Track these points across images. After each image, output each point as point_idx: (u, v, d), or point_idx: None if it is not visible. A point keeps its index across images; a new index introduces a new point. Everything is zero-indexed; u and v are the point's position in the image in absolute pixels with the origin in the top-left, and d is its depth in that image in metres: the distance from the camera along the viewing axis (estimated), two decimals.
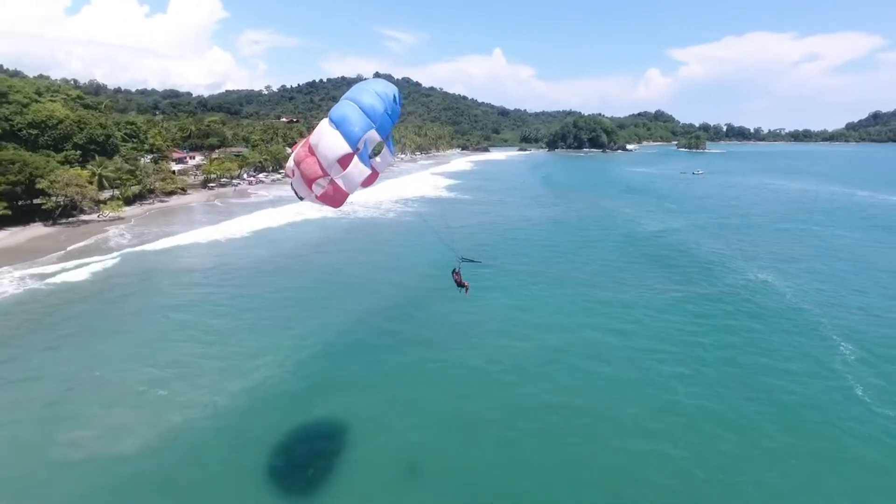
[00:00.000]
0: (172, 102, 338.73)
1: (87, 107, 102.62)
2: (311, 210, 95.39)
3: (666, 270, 56.99)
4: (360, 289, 50.22)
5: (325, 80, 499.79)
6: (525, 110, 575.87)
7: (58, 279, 50.90)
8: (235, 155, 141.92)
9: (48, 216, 78.26)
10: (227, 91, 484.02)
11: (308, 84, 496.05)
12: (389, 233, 79.38)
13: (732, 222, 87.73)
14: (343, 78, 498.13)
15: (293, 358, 34.76)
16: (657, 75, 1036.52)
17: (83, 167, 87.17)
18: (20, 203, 76.66)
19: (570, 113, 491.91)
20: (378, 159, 18.88)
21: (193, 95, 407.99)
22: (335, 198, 17.54)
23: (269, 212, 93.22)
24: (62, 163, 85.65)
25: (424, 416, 28.60)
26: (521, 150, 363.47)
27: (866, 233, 78.29)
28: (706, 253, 64.55)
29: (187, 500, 22.59)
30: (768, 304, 45.47)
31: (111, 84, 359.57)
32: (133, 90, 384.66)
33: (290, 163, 17.79)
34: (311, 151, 17.06)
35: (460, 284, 24.38)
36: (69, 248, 64.20)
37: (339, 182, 16.82)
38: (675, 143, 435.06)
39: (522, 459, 25.01)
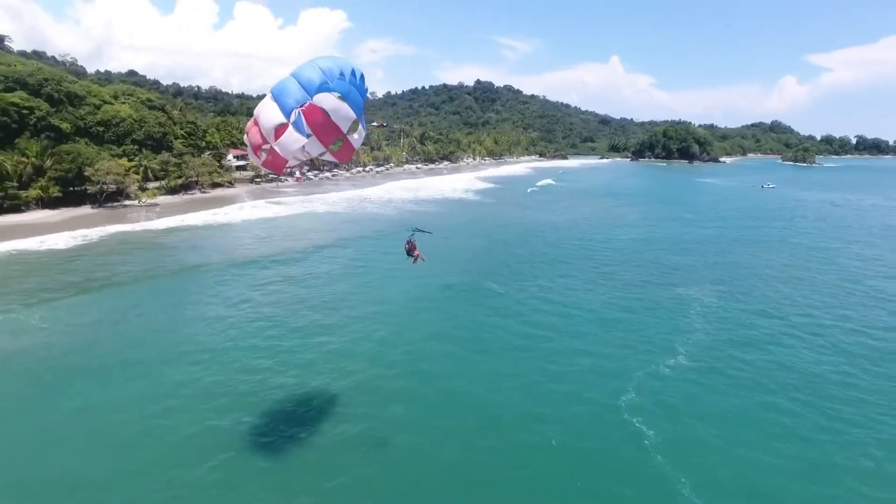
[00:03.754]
0: None
1: (152, 108, 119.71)
2: (320, 205, 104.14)
3: (587, 275, 55.94)
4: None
5: (426, 87, 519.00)
6: (632, 119, 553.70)
7: (43, 247, 62.17)
8: None
9: (95, 200, 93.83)
10: None
11: (410, 91, 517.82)
12: (370, 227, 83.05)
13: (724, 234, 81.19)
14: (444, 85, 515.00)
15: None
16: (792, 83, 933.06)
17: (132, 160, 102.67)
18: (73, 188, 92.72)
19: (679, 123, 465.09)
20: (355, 136, 20.37)
21: None
22: (275, 163, 19.23)
23: (277, 206, 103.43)
24: (119, 156, 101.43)
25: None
26: (601, 158, 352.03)
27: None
28: (659, 264, 61.63)
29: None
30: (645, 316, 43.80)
31: (243, 90, 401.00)
32: (254, 95, 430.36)
33: (245, 135, 19.86)
34: (256, 122, 18.74)
35: (410, 253, 25.87)
36: (83, 226, 75.52)
37: (277, 149, 18.19)
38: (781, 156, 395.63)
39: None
